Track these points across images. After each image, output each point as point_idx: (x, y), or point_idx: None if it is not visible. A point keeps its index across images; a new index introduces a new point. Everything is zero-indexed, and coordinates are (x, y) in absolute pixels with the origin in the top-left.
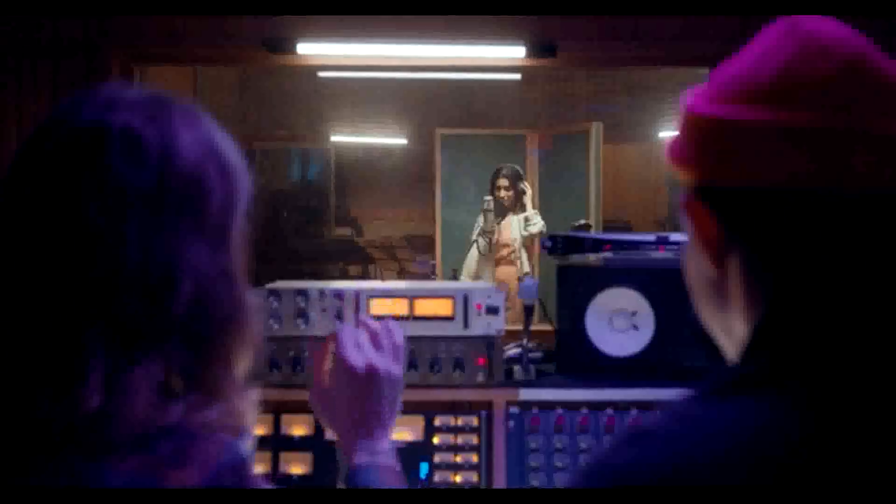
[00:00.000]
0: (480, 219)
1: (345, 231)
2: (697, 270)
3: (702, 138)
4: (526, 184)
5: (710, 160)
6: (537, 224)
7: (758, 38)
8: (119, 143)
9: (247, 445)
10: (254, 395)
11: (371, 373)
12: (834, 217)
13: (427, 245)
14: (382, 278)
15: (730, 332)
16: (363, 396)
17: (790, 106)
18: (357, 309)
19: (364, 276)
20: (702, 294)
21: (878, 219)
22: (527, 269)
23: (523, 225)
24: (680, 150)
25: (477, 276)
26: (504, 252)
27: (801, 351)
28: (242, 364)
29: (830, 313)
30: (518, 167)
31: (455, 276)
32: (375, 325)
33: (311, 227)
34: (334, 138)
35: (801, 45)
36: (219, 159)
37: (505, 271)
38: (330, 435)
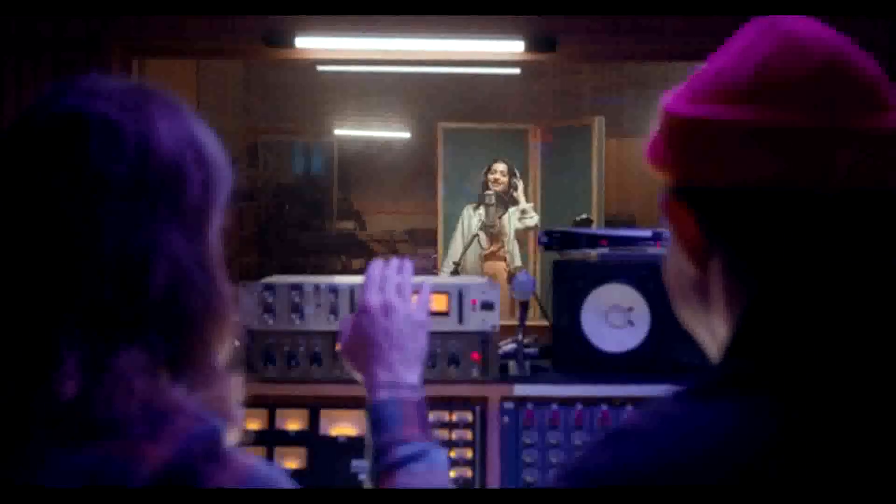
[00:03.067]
0: (477, 214)
1: (348, 224)
2: (678, 270)
3: (680, 139)
4: (518, 179)
5: (689, 161)
6: (534, 217)
7: (736, 37)
8: (97, 132)
9: (229, 430)
10: (235, 382)
11: (387, 308)
12: (814, 216)
13: (429, 239)
14: None
15: (712, 331)
16: (380, 332)
17: (769, 105)
18: (352, 304)
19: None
20: (682, 294)
21: (859, 217)
22: (518, 262)
23: (517, 217)
24: (659, 151)
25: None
26: (494, 247)
27: (781, 352)
28: (221, 351)
29: (811, 314)
30: (512, 163)
31: (456, 271)
32: (394, 262)
33: (315, 221)
34: (337, 132)
35: (780, 44)
36: (197, 150)
37: (494, 266)
38: (359, 379)
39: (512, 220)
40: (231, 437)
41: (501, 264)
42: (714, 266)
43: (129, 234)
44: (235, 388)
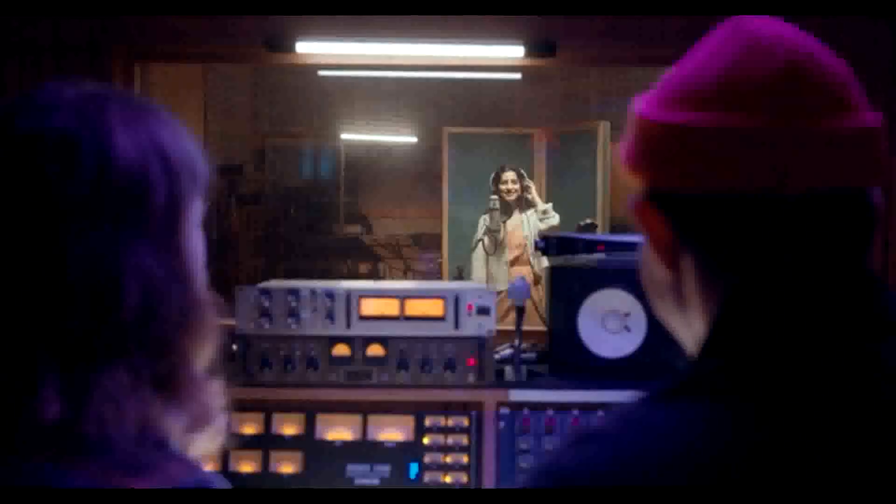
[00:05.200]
0: (482, 219)
1: (354, 228)
2: (652, 272)
3: (649, 143)
4: (529, 181)
5: (658, 165)
6: (555, 216)
7: (704, 40)
8: (54, 152)
9: (214, 438)
10: (218, 388)
11: None
12: (779, 218)
13: (434, 243)
14: (392, 277)
15: (692, 331)
16: None
17: (733, 109)
18: (348, 308)
19: (373, 273)
20: (659, 295)
21: (825, 218)
22: (546, 264)
23: (538, 218)
24: (631, 156)
25: (488, 279)
26: (517, 252)
27: (752, 353)
28: (203, 360)
29: (782, 315)
30: (519, 167)
31: (460, 275)
32: None
33: (321, 225)
34: (344, 136)
35: (743, 47)
36: (161, 155)
37: (520, 272)
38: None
39: (532, 222)
40: (216, 444)
41: (526, 268)
42: (686, 267)
43: (95, 256)
44: (218, 394)
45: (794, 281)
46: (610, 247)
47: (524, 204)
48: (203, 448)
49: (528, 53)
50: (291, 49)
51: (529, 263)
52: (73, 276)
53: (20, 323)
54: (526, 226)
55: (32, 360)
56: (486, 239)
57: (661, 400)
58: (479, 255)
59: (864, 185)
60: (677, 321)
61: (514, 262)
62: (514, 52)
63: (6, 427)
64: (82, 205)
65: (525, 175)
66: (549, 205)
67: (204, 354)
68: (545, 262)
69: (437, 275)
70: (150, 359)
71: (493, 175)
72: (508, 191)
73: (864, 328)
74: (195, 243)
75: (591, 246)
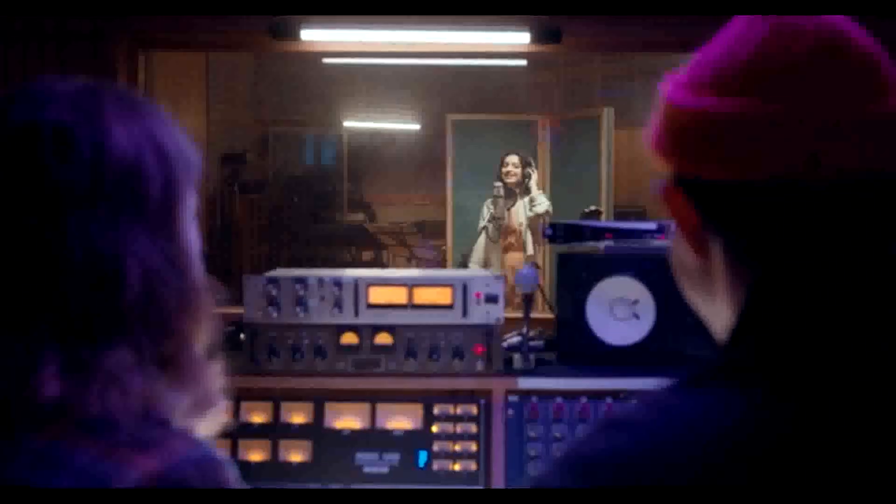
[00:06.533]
0: (486, 206)
1: (357, 216)
2: (681, 258)
3: (676, 129)
4: (533, 169)
5: (685, 150)
6: (542, 204)
7: (732, 22)
8: (50, 141)
9: (213, 419)
10: (217, 371)
11: None
12: (811, 204)
13: (438, 231)
14: (395, 264)
15: (718, 317)
16: None
17: (761, 94)
18: (356, 297)
19: (377, 261)
20: (689, 281)
21: (856, 204)
22: (530, 251)
23: (528, 206)
24: (658, 141)
25: (486, 264)
26: (511, 239)
27: (780, 340)
28: (202, 342)
29: (810, 301)
30: (525, 154)
31: (464, 263)
32: None
33: (324, 213)
34: (347, 123)
35: (772, 28)
36: (156, 147)
37: (514, 258)
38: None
39: (522, 210)
40: (216, 427)
41: (518, 255)
42: (715, 253)
43: (95, 242)
44: (219, 376)
45: (822, 268)
46: (618, 234)
47: (524, 190)
48: (204, 431)
49: (534, 40)
50: (296, 37)
51: (522, 250)
52: (74, 258)
53: (22, 305)
54: (522, 213)
55: (34, 340)
56: (490, 226)
57: (689, 387)
58: (481, 243)
59: None
60: (707, 307)
61: (506, 249)
62: (519, 38)
63: (8, 406)
64: (81, 192)
65: (531, 163)
66: (540, 192)
67: (203, 338)
68: (530, 248)
69: (440, 263)
70: (152, 340)
71: (498, 161)
72: (509, 173)
73: (892, 316)
74: (190, 232)
75: (599, 233)
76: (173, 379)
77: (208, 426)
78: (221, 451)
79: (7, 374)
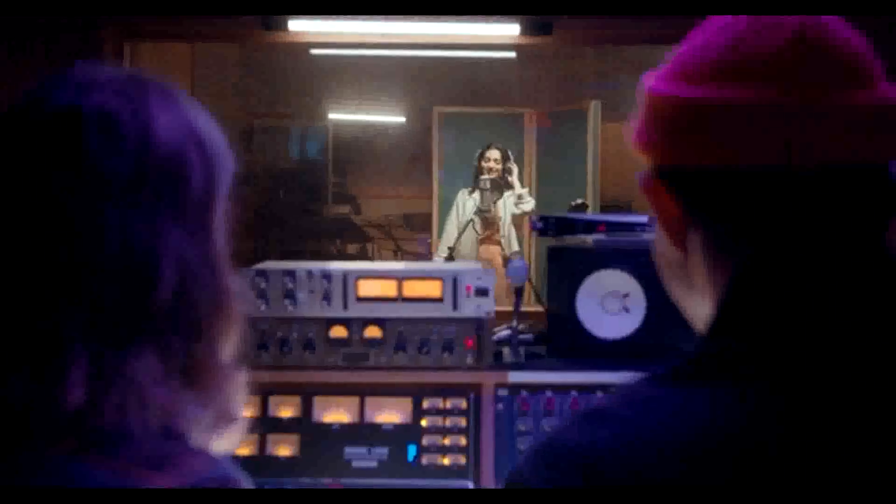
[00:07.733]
0: (472, 199)
1: (343, 209)
2: (663, 251)
3: (658, 119)
4: (513, 163)
5: (667, 140)
6: (530, 202)
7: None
8: (95, 126)
9: (232, 430)
10: (242, 379)
11: None
12: (791, 193)
13: (425, 223)
14: (381, 257)
15: (698, 310)
16: None
17: (741, 83)
18: (345, 289)
19: (362, 254)
20: (669, 274)
21: (838, 194)
22: (515, 247)
23: (514, 202)
24: (640, 133)
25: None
26: (489, 232)
27: (761, 332)
28: (229, 349)
29: (790, 293)
30: (506, 148)
31: (451, 256)
32: None
33: (310, 205)
34: (333, 116)
35: (753, 18)
36: (199, 141)
37: (489, 251)
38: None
39: (508, 205)
40: (234, 443)
41: (496, 248)
42: (695, 246)
43: (132, 233)
44: (241, 390)
45: (802, 258)
46: (610, 227)
47: (504, 185)
48: (222, 448)
49: (524, 32)
50: (284, 27)
51: (500, 244)
52: (110, 251)
53: (51, 298)
54: (503, 207)
55: (64, 341)
56: (476, 219)
57: (668, 380)
58: (467, 236)
59: (882, 161)
60: (688, 301)
61: (483, 241)
62: (509, 30)
63: (32, 413)
64: (122, 181)
65: (511, 157)
66: (527, 190)
67: (230, 346)
68: (514, 244)
69: (427, 256)
70: (180, 344)
71: (478, 152)
72: (490, 169)
73: (877, 306)
74: (223, 233)
75: (591, 226)
76: (196, 390)
77: (227, 443)
78: (240, 471)
79: (34, 376)
